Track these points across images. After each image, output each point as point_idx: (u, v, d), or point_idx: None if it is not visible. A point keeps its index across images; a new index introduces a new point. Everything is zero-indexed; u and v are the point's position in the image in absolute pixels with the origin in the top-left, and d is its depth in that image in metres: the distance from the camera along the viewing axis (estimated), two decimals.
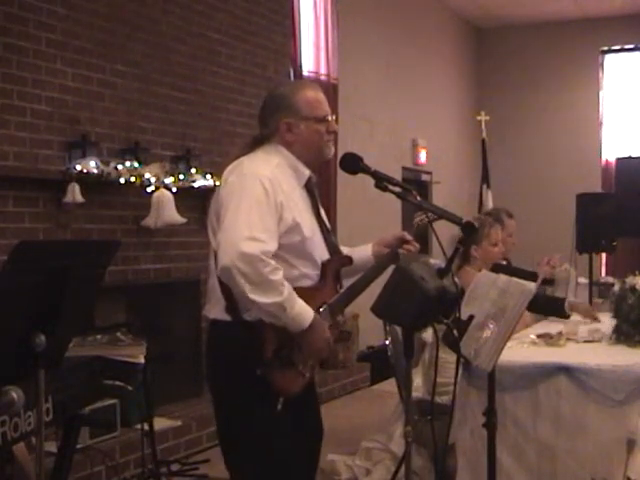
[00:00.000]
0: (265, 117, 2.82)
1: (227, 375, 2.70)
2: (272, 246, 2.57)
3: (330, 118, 2.81)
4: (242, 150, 2.82)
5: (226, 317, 2.67)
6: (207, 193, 5.74)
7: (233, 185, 2.65)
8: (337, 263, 2.82)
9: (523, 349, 3.77)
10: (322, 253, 2.78)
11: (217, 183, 5.59)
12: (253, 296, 2.50)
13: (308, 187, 2.83)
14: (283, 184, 2.69)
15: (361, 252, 2.99)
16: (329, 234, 2.85)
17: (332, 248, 2.83)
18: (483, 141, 9.31)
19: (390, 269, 2.72)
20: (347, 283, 2.88)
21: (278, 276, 2.54)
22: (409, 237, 2.93)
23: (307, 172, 2.82)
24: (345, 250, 2.96)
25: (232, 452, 2.76)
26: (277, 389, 2.63)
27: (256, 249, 2.50)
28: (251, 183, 2.62)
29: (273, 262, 2.53)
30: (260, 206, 2.59)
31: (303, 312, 2.60)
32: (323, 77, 7.32)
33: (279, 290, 2.53)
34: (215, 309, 2.72)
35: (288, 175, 2.75)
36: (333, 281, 2.80)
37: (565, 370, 3.36)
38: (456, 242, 2.64)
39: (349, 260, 2.88)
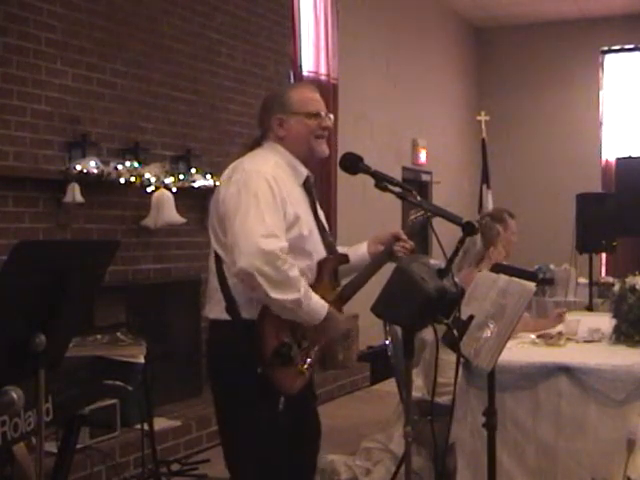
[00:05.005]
0: (261, 116, 2.89)
1: (228, 375, 2.71)
2: (285, 242, 2.60)
3: (323, 114, 2.83)
4: (242, 150, 2.86)
5: (226, 317, 2.68)
6: (207, 193, 5.74)
7: (238, 184, 2.66)
8: (333, 262, 2.84)
9: (523, 349, 3.77)
10: (319, 251, 2.79)
11: (217, 183, 5.59)
12: (274, 294, 2.54)
13: (306, 186, 2.85)
14: (284, 181, 2.71)
15: (357, 251, 3.00)
16: (326, 233, 2.87)
17: (329, 247, 2.85)
18: (483, 141, 9.30)
19: (386, 267, 2.72)
20: (344, 282, 2.89)
21: (296, 272, 2.57)
22: (403, 235, 2.94)
23: (305, 171, 2.84)
24: (342, 250, 2.97)
25: (232, 451, 2.78)
26: (277, 388, 2.65)
27: (275, 246, 2.53)
28: (256, 180, 2.65)
29: (290, 258, 2.56)
30: (268, 203, 2.61)
31: (319, 306, 2.65)
32: (323, 77, 7.31)
33: (297, 286, 2.57)
34: (215, 309, 2.73)
35: (287, 173, 2.78)
36: (329, 280, 2.81)
37: (565, 370, 3.36)
38: (457, 242, 2.64)
39: (346, 258, 2.91)
